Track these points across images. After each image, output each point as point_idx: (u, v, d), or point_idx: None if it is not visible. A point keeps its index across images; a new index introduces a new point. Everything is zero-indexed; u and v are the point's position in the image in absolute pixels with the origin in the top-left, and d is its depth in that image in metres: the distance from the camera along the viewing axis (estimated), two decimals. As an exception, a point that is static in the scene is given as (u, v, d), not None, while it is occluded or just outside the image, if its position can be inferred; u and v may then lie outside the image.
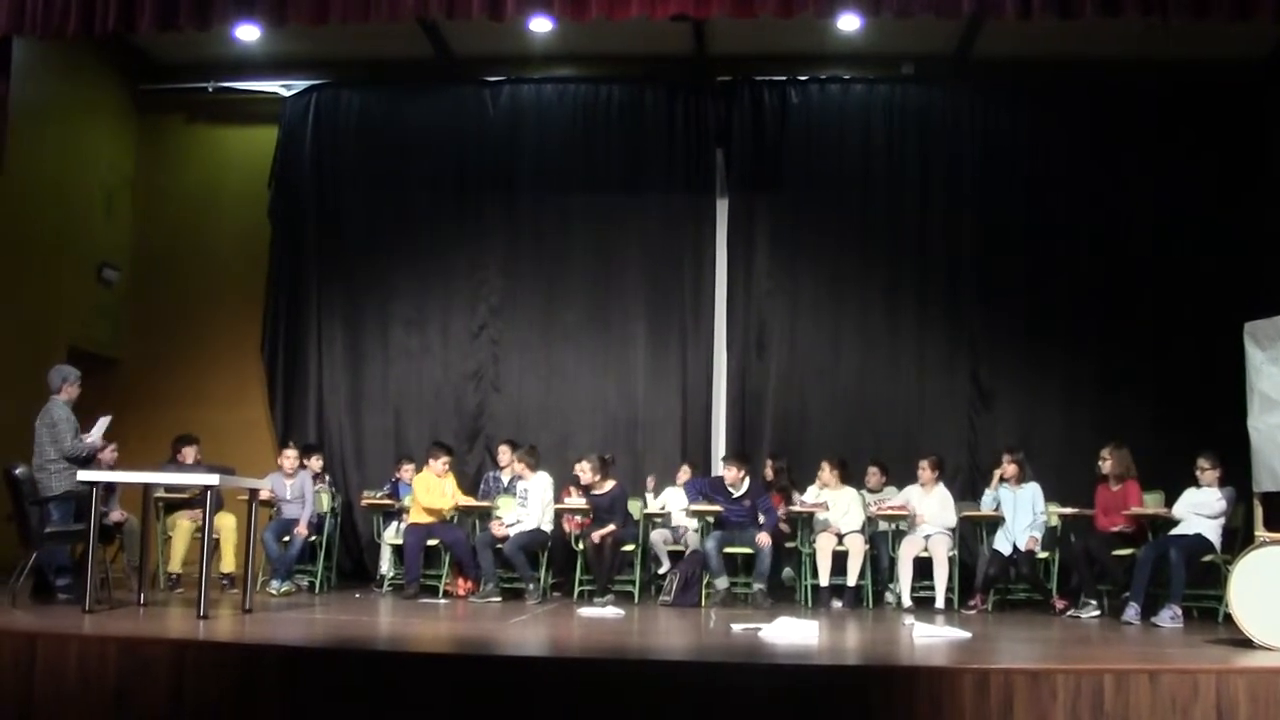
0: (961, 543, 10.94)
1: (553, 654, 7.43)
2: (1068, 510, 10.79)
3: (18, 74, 10.45)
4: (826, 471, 11.21)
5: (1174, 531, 9.86)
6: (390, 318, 13.26)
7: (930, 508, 10.86)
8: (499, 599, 10.65)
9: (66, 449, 9.13)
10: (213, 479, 8.58)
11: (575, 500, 11.12)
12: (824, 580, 10.75)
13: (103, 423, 9.55)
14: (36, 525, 8.84)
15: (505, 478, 11.70)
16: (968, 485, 11.83)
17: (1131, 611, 9.42)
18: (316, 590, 10.98)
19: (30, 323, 11.43)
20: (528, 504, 11.10)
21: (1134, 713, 6.12)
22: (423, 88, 13.59)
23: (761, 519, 10.78)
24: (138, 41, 12.96)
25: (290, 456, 11.35)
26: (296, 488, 11.19)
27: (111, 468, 9.87)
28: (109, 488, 9.40)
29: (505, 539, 10.88)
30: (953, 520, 10.85)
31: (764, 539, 10.60)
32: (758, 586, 10.54)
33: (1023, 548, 10.43)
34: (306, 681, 6.52)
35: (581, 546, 11.04)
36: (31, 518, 8.84)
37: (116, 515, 9.89)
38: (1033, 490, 10.63)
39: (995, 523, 10.73)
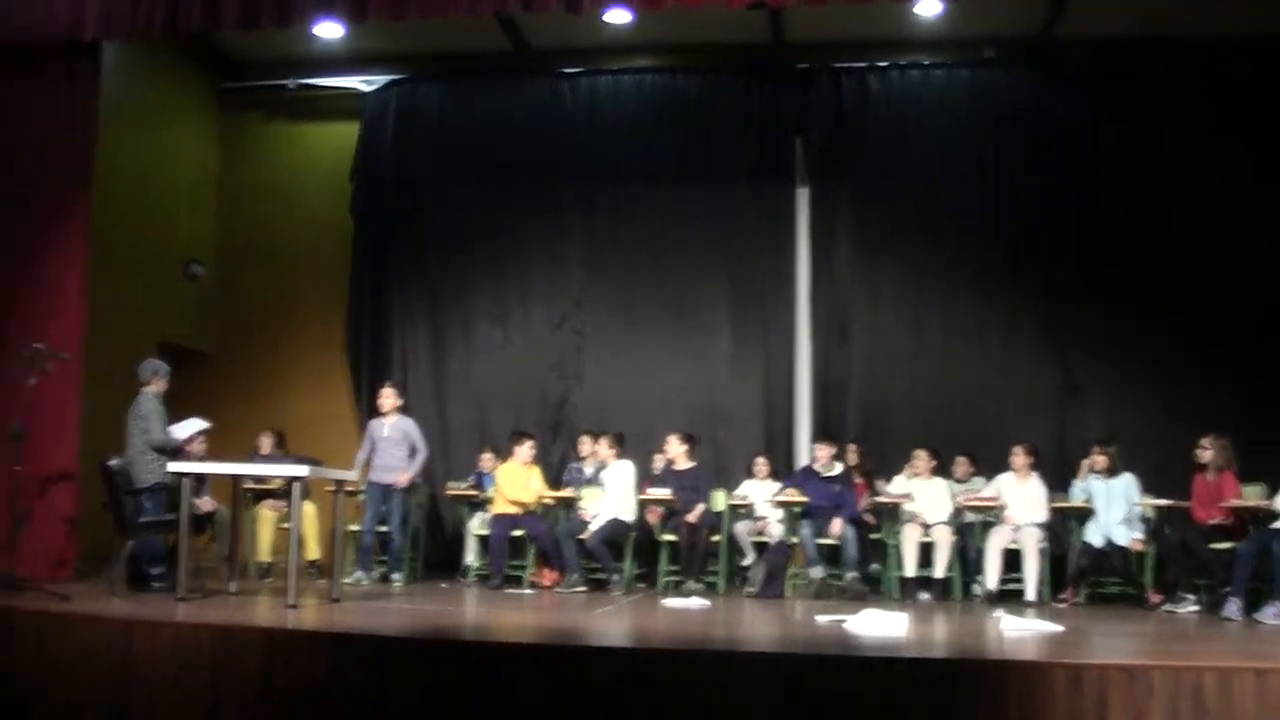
0: (1050, 534, 10.78)
1: (638, 644, 7.41)
2: (1163, 502, 10.55)
3: (105, 76, 10.60)
4: (923, 460, 11.13)
5: (1276, 525, 9.60)
6: (472, 310, 13.35)
7: (1021, 501, 10.70)
8: (584, 590, 10.68)
9: (154, 440, 9.33)
10: (301, 470, 8.65)
11: (658, 490, 11.11)
12: (910, 571, 10.68)
13: (194, 423, 9.75)
14: (130, 515, 9.00)
15: (587, 469, 11.72)
16: (1056, 477, 11.60)
17: (1233, 607, 9.08)
18: (404, 581, 11.04)
19: (120, 318, 11.59)
20: (608, 491, 11.12)
21: (1239, 712, 5.90)
22: (501, 81, 13.65)
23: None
24: (220, 41, 13.13)
25: (388, 395, 11.26)
26: (396, 428, 11.12)
27: (201, 459, 10.01)
28: (199, 478, 9.54)
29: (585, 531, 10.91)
30: (1044, 515, 10.66)
31: (836, 526, 10.64)
32: (850, 575, 10.52)
33: (1123, 543, 10.23)
34: (393, 670, 6.55)
35: (667, 537, 11.04)
36: (126, 508, 9.00)
37: (206, 505, 10.02)
38: (1126, 481, 10.40)
39: (1086, 514, 10.56)
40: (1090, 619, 9.33)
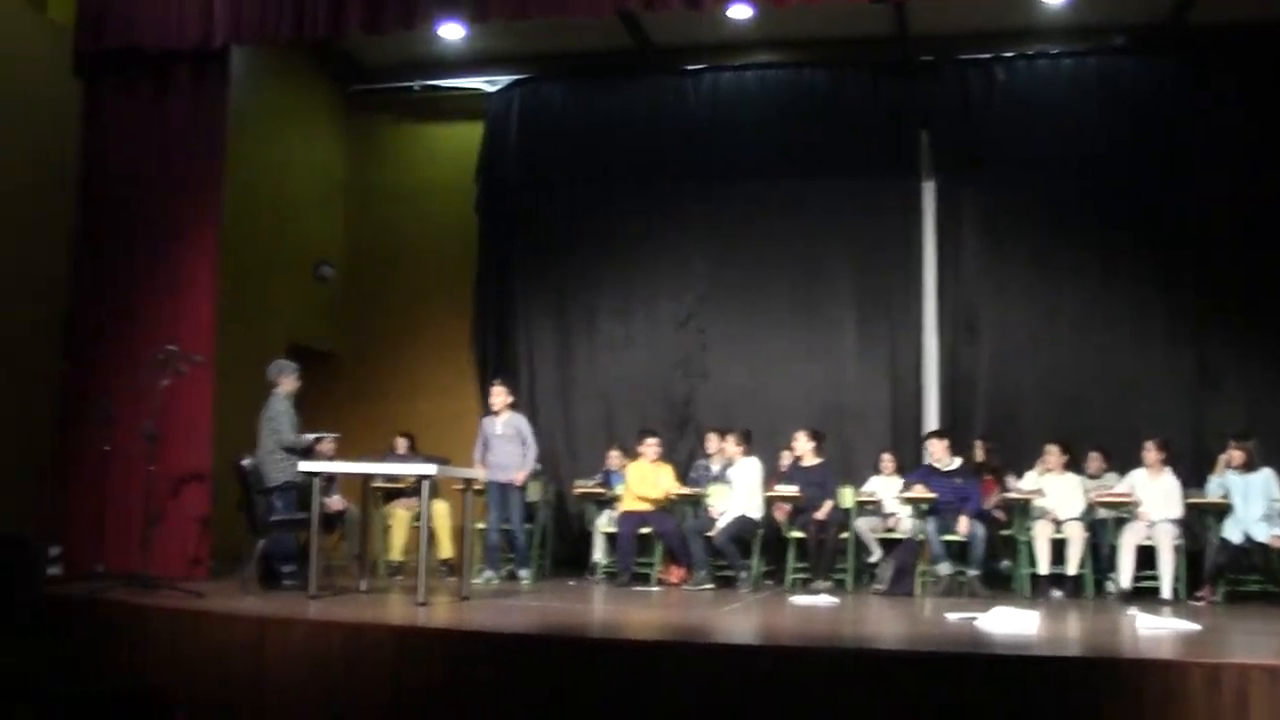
0: (1187, 531, 10.49)
1: (766, 642, 7.37)
2: (1305, 497, 10.23)
3: (235, 82, 10.81)
4: (1054, 455, 10.91)
5: None
6: (597, 308, 13.37)
7: (1154, 497, 10.42)
8: (711, 587, 10.66)
9: (284, 440, 9.50)
10: (430, 468, 8.75)
11: (785, 487, 11.05)
12: (1042, 569, 10.48)
13: (322, 436, 10.00)
14: (262, 514, 9.18)
15: (714, 466, 11.68)
16: (1192, 471, 11.26)
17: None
18: (531, 578, 11.10)
19: (251, 321, 11.80)
20: (735, 487, 11.07)
21: (1389, 713, 5.69)
22: (623, 79, 13.65)
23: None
24: (345, 44, 13.32)
25: (499, 392, 11.17)
26: (509, 425, 11.05)
27: (330, 458, 10.17)
28: (329, 478, 9.69)
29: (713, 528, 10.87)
30: (1178, 511, 10.38)
31: (963, 525, 10.47)
32: (972, 573, 10.37)
33: (1262, 540, 9.86)
34: (521, 667, 6.61)
35: (794, 534, 10.98)
36: (257, 507, 9.18)
37: (336, 504, 10.18)
38: (1265, 476, 10.06)
39: (1223, 510, 10.25)
40: (1229, 617, 9.07)
